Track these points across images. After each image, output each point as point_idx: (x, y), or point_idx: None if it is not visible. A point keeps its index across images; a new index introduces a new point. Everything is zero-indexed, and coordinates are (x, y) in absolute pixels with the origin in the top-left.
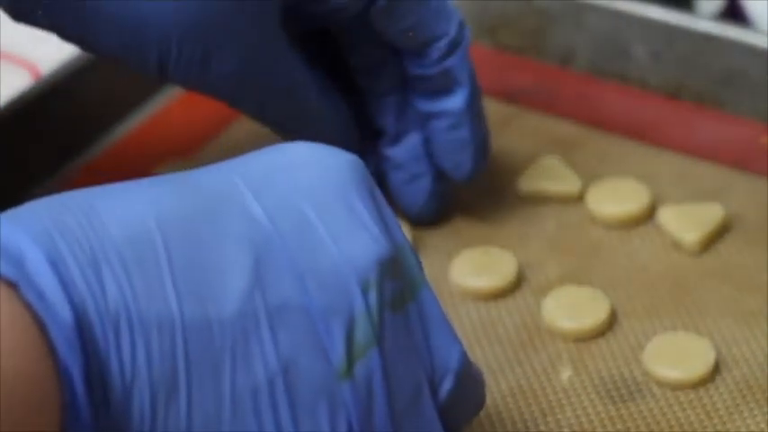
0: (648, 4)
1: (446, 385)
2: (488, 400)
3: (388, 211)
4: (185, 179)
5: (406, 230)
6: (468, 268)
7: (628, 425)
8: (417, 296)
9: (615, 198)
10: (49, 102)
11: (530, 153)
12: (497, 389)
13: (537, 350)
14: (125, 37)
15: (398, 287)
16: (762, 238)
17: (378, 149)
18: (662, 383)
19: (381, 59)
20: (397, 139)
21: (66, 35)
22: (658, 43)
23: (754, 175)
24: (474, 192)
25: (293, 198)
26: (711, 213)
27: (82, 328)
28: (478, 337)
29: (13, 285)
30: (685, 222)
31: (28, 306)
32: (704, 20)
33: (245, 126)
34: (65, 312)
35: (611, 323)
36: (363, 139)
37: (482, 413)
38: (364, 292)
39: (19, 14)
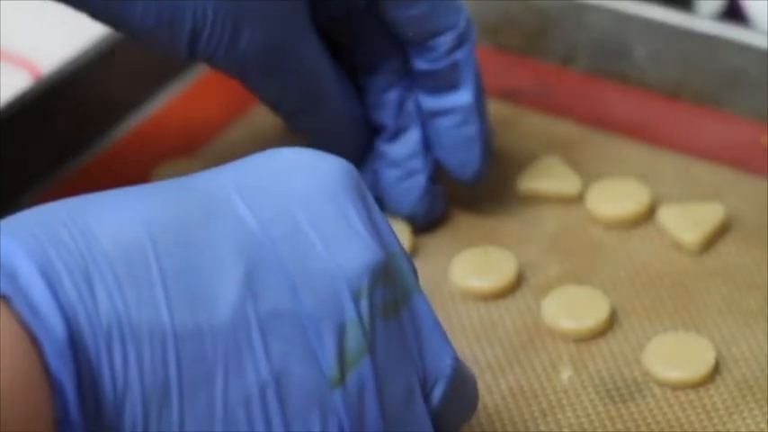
0: (648, 4)
1: (438, 390)
2: (488, 401)
3: (381, 217)
4: (176, 187)
5: (404, 234)
6: (468, 268)
7: (628, 425)
8: (410, 303)
9: (615, 198)
10: (49, 102)
11: (530, 153)
12: (497, 389)
13: (537, 350)
14: (161, 7)
15: (391, 294)
16: (762, 238)
17: (374, 146)
18: (662, 383)
19: (383, 54)
20: (396, 134)
21: (97, 11)
22: (658, 43)
23: (754, 175)
24: (474, 192)
25: (285, 205)
26: (711, 213)
27: (74, 341)
28: (478, 337)
29: (5, 299)
30: (685, 222)
31: (21, 320)
32: (704, 20)
33: (244, 126)
34: (57, 326)
35: (611, 323)
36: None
37: (482, 413)
38: (356, 300)
39: None
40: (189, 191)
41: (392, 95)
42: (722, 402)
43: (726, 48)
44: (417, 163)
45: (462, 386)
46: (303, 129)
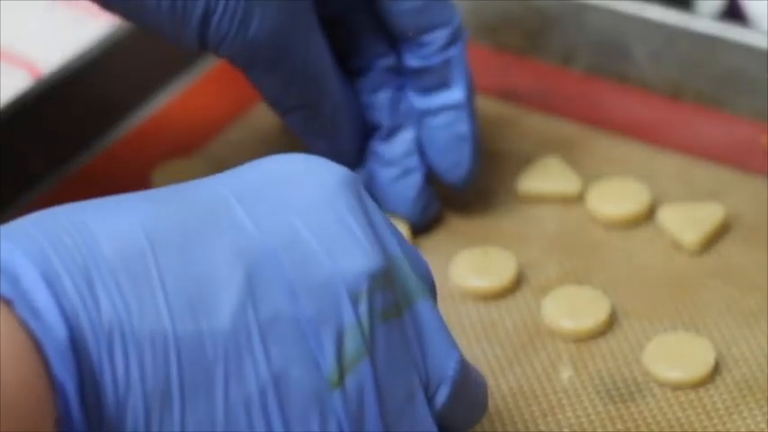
0: (648, 4)
1: (443, 392)
2: (488, 401)
3: (382, 221)
4: (176, 193)
5: (404, 234)
6: (467, 268)
7: (628, 425)
8: (413, 306)
9: (615, 198)
10: (48, 102)
11: (529, 153)
12: (497, 389)
13: (537, 350)
14: None
15: (391, 298)
16: (762, 238)
17: (369, 146)
18: (662, 383)
19: (377, 54)
20: (390, 134)
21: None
22: (658, 43)
23: (754, 175)
24: (473, 192)
25: (284, 211)
26: (711, 213)
27: (76, 344)
28: (478, 338)
29: (8, 303)
30: (685, 222)
31: (23, 323)
32: (704, 20)
33: (244, 127)
34: (59, 329)
35: (611, 323)
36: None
37: None
38: (354, 304)
39: None
40: (189, 197)
41: (386, 95)
42: (722, 402)
43: (726, 48)
44: (413, 161)
45: (468, 388)
46: (302, 128)
